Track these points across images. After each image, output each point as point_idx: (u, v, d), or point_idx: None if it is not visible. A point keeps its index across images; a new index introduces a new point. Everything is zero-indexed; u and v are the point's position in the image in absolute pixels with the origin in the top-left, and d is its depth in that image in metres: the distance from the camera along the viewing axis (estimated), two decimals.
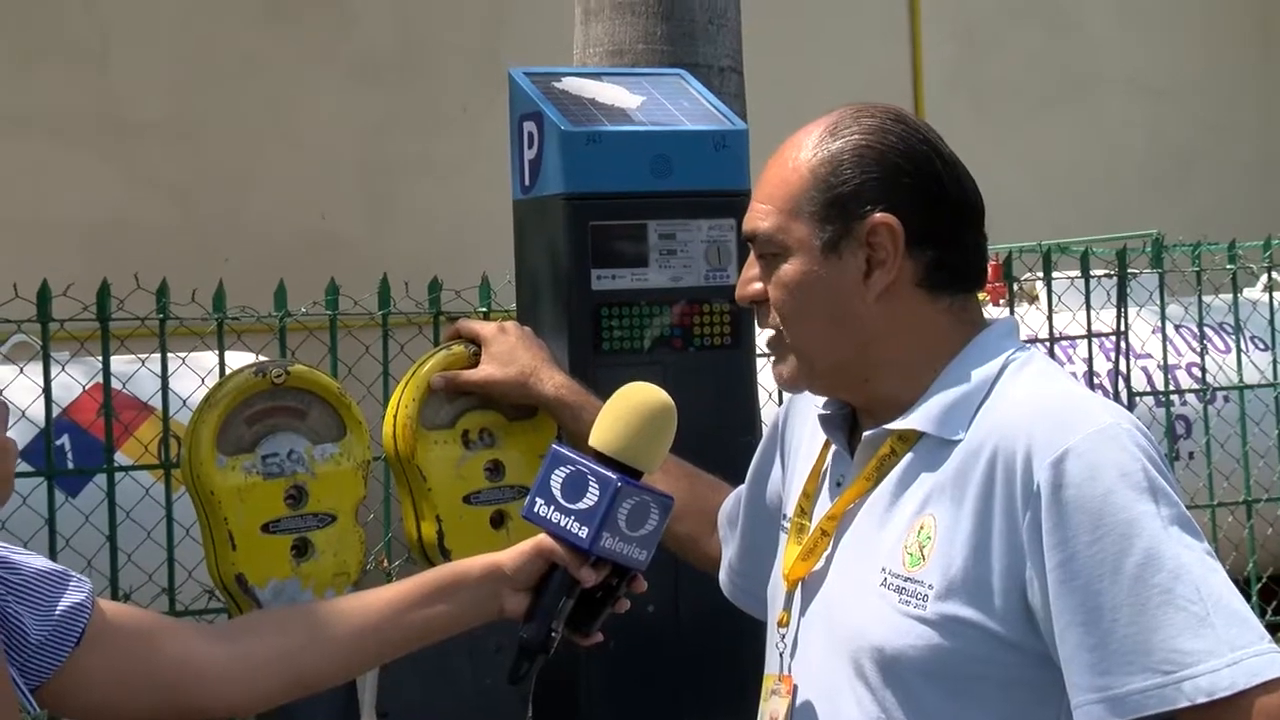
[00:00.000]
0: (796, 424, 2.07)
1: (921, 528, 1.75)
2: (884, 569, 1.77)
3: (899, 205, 1.80)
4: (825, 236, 1.81)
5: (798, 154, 1.85)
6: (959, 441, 1.76)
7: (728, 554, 2.20)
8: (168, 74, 9.19)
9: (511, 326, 2.42)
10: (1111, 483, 1.65)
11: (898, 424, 1.82)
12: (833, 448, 1.93)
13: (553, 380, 2.35)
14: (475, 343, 2.41)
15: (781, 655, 1.91)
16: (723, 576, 2.22)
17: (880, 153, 1.82)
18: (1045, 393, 1.77)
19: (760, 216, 1.86)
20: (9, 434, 1.63)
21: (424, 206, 9.48)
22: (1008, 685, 1.71)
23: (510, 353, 2.37)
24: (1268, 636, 1.64)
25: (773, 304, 1.86)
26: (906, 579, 1.75)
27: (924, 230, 1.81)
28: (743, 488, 2.19)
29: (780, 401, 5.05)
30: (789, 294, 1.84)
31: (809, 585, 1.88)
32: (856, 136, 1.83)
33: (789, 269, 1.84)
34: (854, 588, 1.81)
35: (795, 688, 1.87)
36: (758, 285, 1.88)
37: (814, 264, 1.82)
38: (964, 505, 1.72)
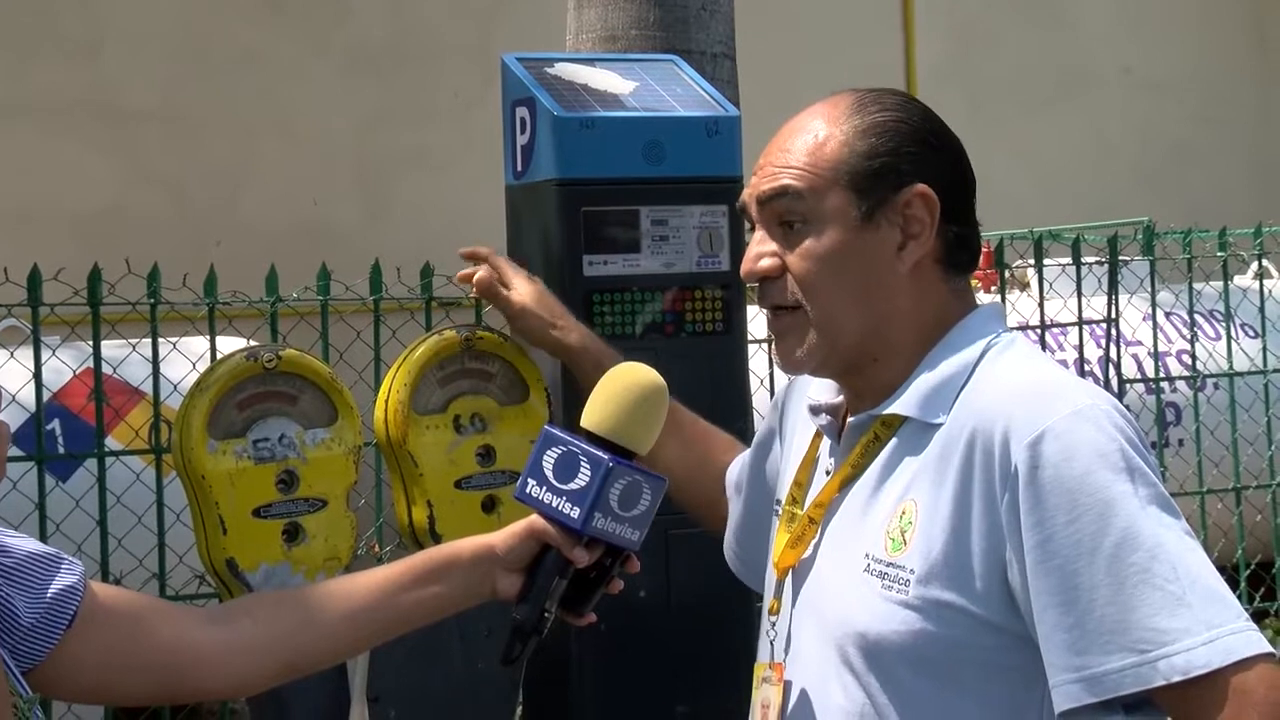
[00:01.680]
0: (795, 407, 2.07)
1: (903, 513, 1.76)
2: (867, 555, 1.77)
3: (931, 181, 1.81)
4: (864, 207, 1.80)
5: (825, 126, 1.83)
6: (940, 425, 1.76)
7: (733, 524, 2.19)
8: (162, 63, 9.17)
9: (537, 279, 2.44)
10: (1089, 463, 1.65)
11: (882, 409, 1.82)
12: (824, 437, 1.93)
13: (577, 330, 2.38)
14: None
15: (773, 644, 1.91)
16: (727, 548, 2.21)
17: (913, 128, 1.83)
18: (1024, 375, 1.78)
19: (789, 176, 1.83)
20: (1, 417, 1.62)
21: (417, 195, 9.47)
22: (990, 668, 1.71)
23: (540, 296, 2.41)
24: (1244, 615, 1.64)
25: (797, 276, 1.83)
26: (889, 564, 1.75)
27: (950, 207, 1.83)
28: (748, 454, 2.18)
29: (771, 387, 5.05)
30: (821, 265, 1.82)
31: (799, 573, 1.89)
32: (889, 112, 1.83)
33: (822, 240, 1.81)
34: (839, 574, 1.81)
35: (786, 676, 1.87)
36: (775, 260, 1.84)
37: (849, 234, 1.81)
38: (944, 489, 1.73)
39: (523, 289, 2.41)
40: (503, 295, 2.41)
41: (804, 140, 1.84)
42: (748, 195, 1.89)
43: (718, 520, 2.24)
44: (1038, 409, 1.70)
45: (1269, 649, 1.63)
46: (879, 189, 1.81)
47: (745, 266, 1.87)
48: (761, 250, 1.85)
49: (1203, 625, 1.60)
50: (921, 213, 1.81)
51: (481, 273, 2.42)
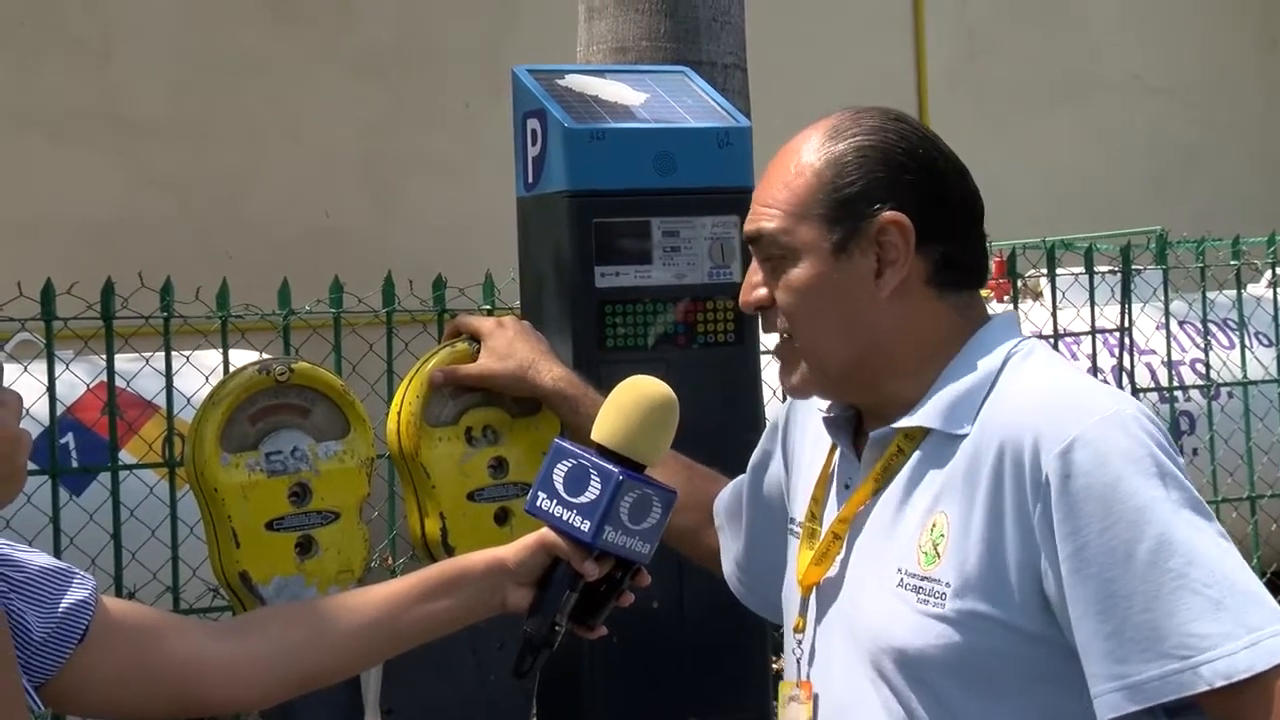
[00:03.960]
0: (799, 425, 2.06)
1: (934, 525, 1.75)
2: (900, 569, 1.77)
3: (906, 203, 1.80)
4: (835, 238, 1.81)
5: (800, 157, 1.84)
6: (965, 436, 1.75)
7: (733, 552, 2.19)
8: (170, 72, 9.20)
9: (509, 321, 2.42)
10: (1120, 469, 1.65)
11: (904, 422, 1.81)
12: (838, 450, 1.92)
13: (551, 373, 2.34)
14: (476, 339, 2.41)
15: (799, 661, 1.90)
16: (729, 576, 2.21)
17: (884, 151, 1.82)
18: (1049, 383, 1.77)
19: (765, 218, 1.85)
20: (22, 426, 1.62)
21: (427, 204, 9.49)
22: (1032, 679, 1.71)
23: (508, 347, 2.36)
24: None
25: (781, 308, 1.85)
26: (923, 578, 1.74)
27: (931, 228, 1.81)
28: (742, 480, 2.18)
29: (784, 399, 5.05)
30: (799, 298, 1.83)
31: (824, 590, 1.88)
32: (859, 137, 1.83)
33: (798, 273, 1.83)
34: (871, 590, 1.80)
35: (815, 694, 1.86)
36: (763, 291, 1.87)
37: (824, 266, 1.81)
38: (975, 500, 1.72)
39: (489, 346, 2.35)
40: (462, 374, 2.35)
41: (781, 174, 1.86)
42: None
43: (696, 549, 2.25)
44: (1066, 417, 1.69)
45: None
46: (848, 219, 1.81)
47: (741, 297, 1.91)
48: (753, 281, 1.89)
49: (1243, 629, 1.60)
50: (895, 238, 1.80)
51: (435, 375, 2.33)
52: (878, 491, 1.83)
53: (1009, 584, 1.69)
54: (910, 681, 1.74)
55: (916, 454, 1.80)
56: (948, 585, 1.71)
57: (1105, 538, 1.64)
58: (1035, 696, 1.71)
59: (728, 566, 2.20)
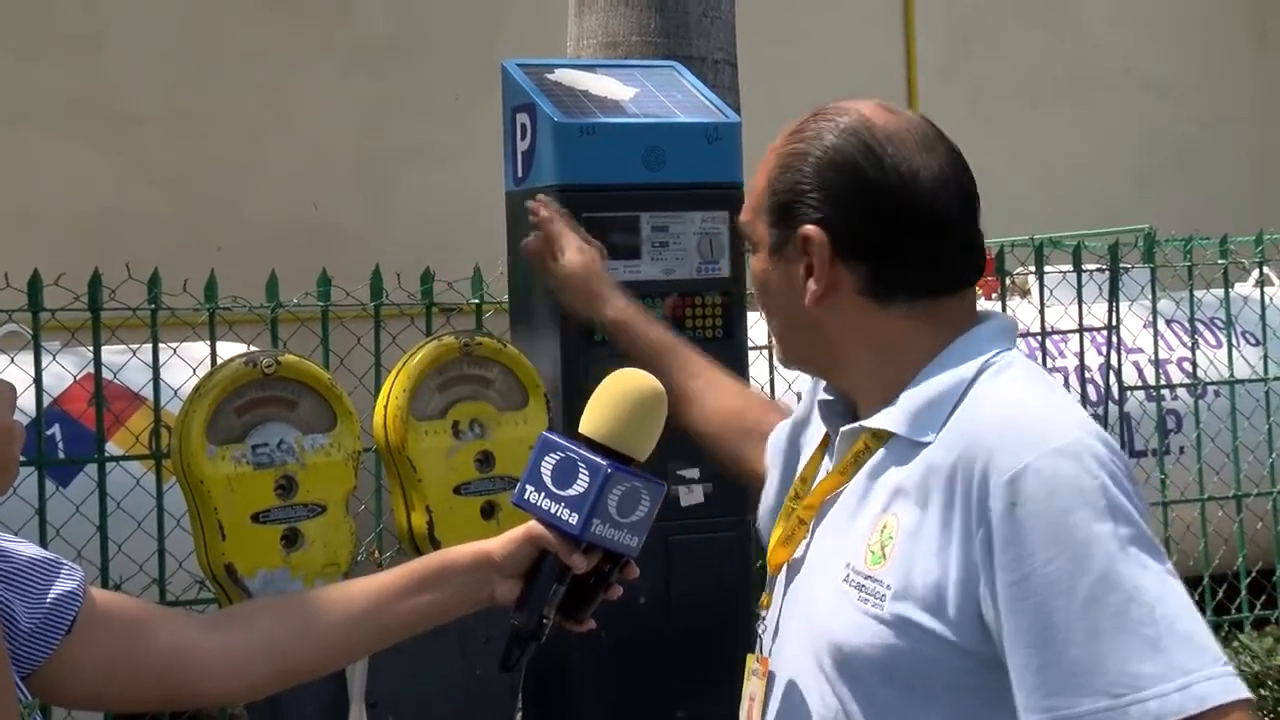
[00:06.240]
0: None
1: (884, 527, 1.75)
2: (848, 565, 1.77)
3: (830, 217, 1.79)
4: (774, 239, 1.85)
5: (768, 153, 1.89)
6: (928, 444, 1.74)
7: (769, 498, 2.14)
8: (163, 63, 9.18)
9: (590, 250, 2.46)
10: (1069, 502, 1.63)
11: (870, 422, 1.81)
12: (832, 436, 1.93)
13: (614, 305, 2.41)
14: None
15: (761, 637, 1.92)
16: (760, 518, 2.16)
17: (818, 162, 1.81)
18: (1013, 403, 1.75)
19: (742, 210, 1.92)
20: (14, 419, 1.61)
21: (418, 196, 9.48)
22: (961, 689, 1.70)
23: (584, 270, 2.43)
24: (1223, 659, 1.61)
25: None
26: (867, 577, 1.74)
27: (856, 243, 1.79)
28: (788, 425, 2.15)
29: (772, 394, 5.05)
30: (756, 286, 1.93)
31: (791, 571, 1.89)
32: (805, 143, 1.83)
33: (755, 264, 1.90)
34: (822, 581, 1.81)
35: (771, 671, 1.87)
36: None
37: (768, 262, 1.87)
38: (926, 511, 1.71)
39: (571, 261, 2.44)
40: (548, 266, 2.45)
41: (759, 167, 1.91)
42: None
43: (746, 475, 2.26)
44: (1021, 443, 1.68)
45: (1245, 695, 1.60)
46: (782, 223, 1.84)
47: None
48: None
49: (1176, 671, 1.58)
50: (815, 251, 1.80)
51: (532, 242, 2.45)
52: (843, 485, 1.83)
53: (947, 599, 1.68)
54: (844, 676, 1.75)
55: (880, 453, 1.80)
56: (889, 588, 1.71)
57: (1048, 569, 1.62)
58: (963, 702, 1.70)
59: (762, 515, 2.15)
